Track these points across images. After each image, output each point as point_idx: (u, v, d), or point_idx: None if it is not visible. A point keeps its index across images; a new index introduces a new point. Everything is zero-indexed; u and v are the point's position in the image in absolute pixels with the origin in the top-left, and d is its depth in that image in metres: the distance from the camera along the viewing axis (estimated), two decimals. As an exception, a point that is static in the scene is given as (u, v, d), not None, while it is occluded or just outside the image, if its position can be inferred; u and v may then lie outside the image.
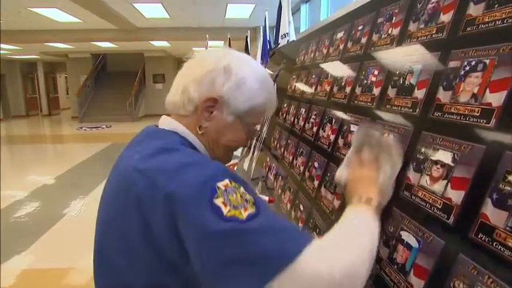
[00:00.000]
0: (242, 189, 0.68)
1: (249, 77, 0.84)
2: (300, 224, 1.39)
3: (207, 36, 8.23)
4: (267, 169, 2.18)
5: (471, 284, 0.59)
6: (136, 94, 16.78)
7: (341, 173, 0.93)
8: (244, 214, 0.64)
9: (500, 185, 0.58)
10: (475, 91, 0.69)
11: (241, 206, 0.65)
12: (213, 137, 0.86)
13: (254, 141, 2.91)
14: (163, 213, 0.66)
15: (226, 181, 0.67)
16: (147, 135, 0.88)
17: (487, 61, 0.68)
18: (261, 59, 5.74)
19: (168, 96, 0.90)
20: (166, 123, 0.88)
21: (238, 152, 3.80)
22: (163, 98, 0.91)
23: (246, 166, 3.00)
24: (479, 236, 0.60)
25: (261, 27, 5.92)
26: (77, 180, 6.95)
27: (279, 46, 3.64)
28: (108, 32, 10.83)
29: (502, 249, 0.56)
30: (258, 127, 0.95)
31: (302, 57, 2.05)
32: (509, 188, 0.57)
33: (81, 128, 14.53)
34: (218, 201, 0.64)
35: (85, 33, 10.90)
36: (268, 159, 2.23)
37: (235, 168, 4.04)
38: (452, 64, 0.78)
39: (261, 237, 0.63)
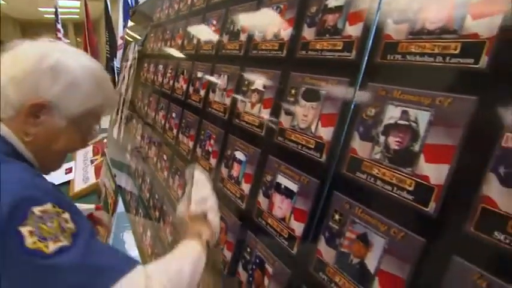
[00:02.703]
0: (67, 215, 0.58)
1: (82, 77, 0.71)
2: (165, 172, 1.38)
3: (55, -7, 6.86)
4: (134, 132, 2.00)
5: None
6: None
7: (180, 209, 0.92)
8: (52, 247, 0.54)
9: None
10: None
11: (52, 237, 0.54)
12: (43, 144, 0.71)
13: (121, 107, 2.62)
14: None
15: (47, 206, 0.56)
16: None
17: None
18: (124, 21, 5.14)
19: None
20: None
21: (106, 124, 3.38)
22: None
23: (115, 134, 2.69)
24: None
25: (119, -16, 5.22)
26: None
27: (138, 4, 3.28)
28: None
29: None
30: (98, 127, 0.84)
31: (158, 15, 1.95)
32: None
33: None
34: (24, 230, 0.53)
35: None
36: (134, 122, 2.05)
37: (104, 141, 3.62)
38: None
39: (67, 274, 0.54)
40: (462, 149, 0.43)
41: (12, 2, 10.70)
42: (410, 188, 0.47)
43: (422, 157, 0.47)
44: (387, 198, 0.50)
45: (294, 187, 0.68)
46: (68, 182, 3.46)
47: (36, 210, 0.55)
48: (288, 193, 0.70)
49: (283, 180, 0.71)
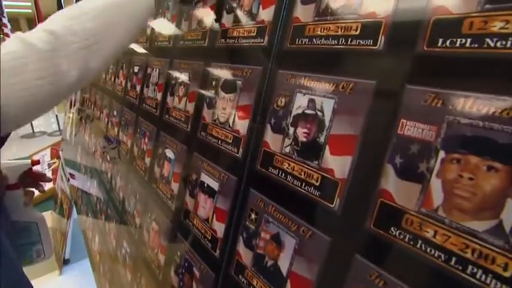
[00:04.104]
0: None
1: None
2: (109, 174, 1.26)
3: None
4: (82, 132, 1.87)
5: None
6: None
7: None
8: None
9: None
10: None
11: None
12: None
13: (73, 106, 2.48)
14: None
15: None
16: None
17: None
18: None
19: None
20: None
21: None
22: None
23: (67, 135, 2.55)
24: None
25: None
26: None
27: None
28: None
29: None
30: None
31: None
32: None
33: None
34: None
35: None
36: (83, 122, 1.93)
37: (60, 146, 3.43)
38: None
39: None
40: (363, 139, 0.39)
41: None
42: (317, 184, 0.43)
43: (327, 149, 0.43)
44: (297, 195, 0.46)
45: (215, 185, 0.63)
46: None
47: None
48: (210, 192, 0.64)
49: (206, 178, 0.66)
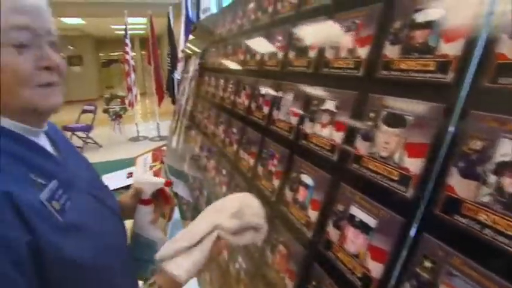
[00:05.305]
0: None
1: None
2: (224, 187, 1.37)
3: (125, 12, 7.39)
4: (192, 144, 2.03)
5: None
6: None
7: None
8: None
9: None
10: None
11: None
12: None
13: (180, 119, 2.70)
14: None
15: None
16: None
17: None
18: (185, 36, 5.38)
19: None
20: None
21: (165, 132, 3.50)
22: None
23: (174, 144, 2.77)
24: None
25: (183, 2, 5.47)
26: None
27: (200, 20, 3.38)
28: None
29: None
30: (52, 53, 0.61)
31: (220, 31, 1.97)
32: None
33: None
34: None
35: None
36: (193, 134, 2.08)
37: (163, 148, 3.76)
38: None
39: None
40: None
41: (90, 21, 11.81)
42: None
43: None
44: (497, 252, 0.41)
45: (371, 221, 0.60)
46: (129, 186, 3.62)
47: None
48: (363, 227, 0.62)
49: (358, 212, 0.63)
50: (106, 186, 0.87)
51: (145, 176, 0.95)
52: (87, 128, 6.43)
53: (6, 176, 0.54)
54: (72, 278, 0.60)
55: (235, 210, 0.68)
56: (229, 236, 0.66)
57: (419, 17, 0.59)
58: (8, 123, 0.60)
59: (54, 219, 0.58)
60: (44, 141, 0.68)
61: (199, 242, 0.66)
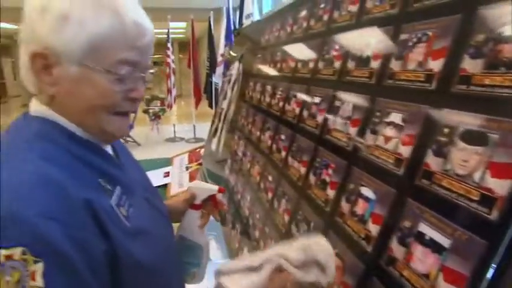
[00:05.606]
0: (39, 266, 0.45)
1: (71, 4, 0.57)
2: (270, 193, 1.36)
3: (169, 17, 7.66)
4: (235, 148, 2.05)
5: None
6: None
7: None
8: None
9: None
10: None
11: None
12: (70, 104, 0.60)
13: (221, 122, 2.74)
14: None
15: (15, 250, 0.44)
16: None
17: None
18: (225, 40, 5.48)
19: None
20: (32, 106, 0.64)
21: (204, 135, 3.58)
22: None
23: (214, 147, 2.82)
24: None
25: (224, 7, 5.58)
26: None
27: (243, 27, 3.43)
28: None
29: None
30: (148, 72, 0.67)
31: (267, 37, 1.97)
32: None
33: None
34: None
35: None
36: (236, 138, 2.10)
37: (201, 150, 3.83)
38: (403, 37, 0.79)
39: None
40: None
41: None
42: None
43: None
44: None
45: (444, 241, 0.58)
46: (165, 185, 3.73)
47: (2, 254, 0.43)
48: (434, 247, 0.59)
49: (428, 231, 0.61)
50: (156, 189, 0.90)
51: (200, 183, 0.98)
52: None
53: (80, 182, 0.55)
54: (139, 281, 0.62)
55: (303, 244, 0.67)
56: (292, 268, 0.64)
57: (508, 31, 0.56)
58: (74, 128, 0.62)
59: (123, 225, 0.60)
60: (106, 146, 0.70)
61: (261, 265, 0.65)
